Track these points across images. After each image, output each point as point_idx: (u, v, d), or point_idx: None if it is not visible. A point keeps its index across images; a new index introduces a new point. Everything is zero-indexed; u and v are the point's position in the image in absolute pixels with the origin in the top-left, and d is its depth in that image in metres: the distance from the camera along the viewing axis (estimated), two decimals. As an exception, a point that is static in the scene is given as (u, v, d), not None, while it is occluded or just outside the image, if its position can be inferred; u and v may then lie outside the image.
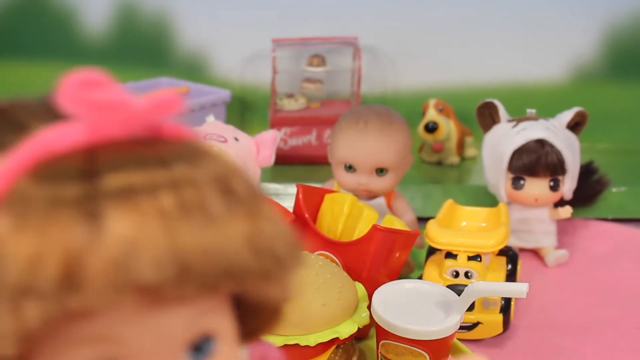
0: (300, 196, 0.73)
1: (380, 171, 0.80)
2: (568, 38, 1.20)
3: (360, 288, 0.66)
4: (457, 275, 0.71)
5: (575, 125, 0.89)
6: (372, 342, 0.70)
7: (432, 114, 1.10)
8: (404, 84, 1.23)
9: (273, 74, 1.13)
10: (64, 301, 0.22)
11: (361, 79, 1.15)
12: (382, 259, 0.68)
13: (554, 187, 0.86)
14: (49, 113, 0.28)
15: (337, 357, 0.63)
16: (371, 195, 0.82)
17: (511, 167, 0.85)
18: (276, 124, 1.11)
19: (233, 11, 1.22)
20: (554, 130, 0.85)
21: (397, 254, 0.70)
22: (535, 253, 0.92)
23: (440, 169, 1.12)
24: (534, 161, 0.84)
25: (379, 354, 0.61)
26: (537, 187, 0.86)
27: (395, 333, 0.58)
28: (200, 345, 0.27)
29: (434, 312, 0.60)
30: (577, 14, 1.19)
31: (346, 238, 0.73)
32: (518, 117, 0.89)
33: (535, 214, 0.89)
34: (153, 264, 0.23)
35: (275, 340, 0.59)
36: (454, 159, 1.12)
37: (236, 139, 0.86)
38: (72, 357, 0.24)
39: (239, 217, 0.25)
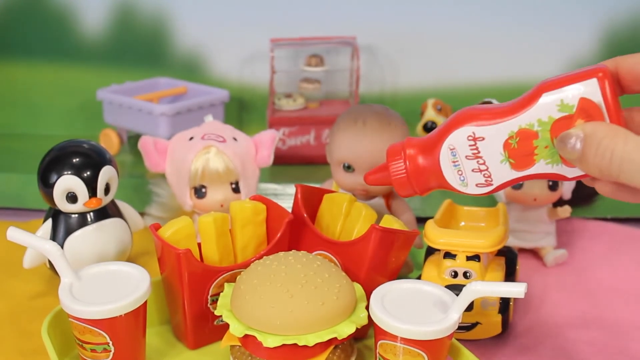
0: (299, 196, 0.73)
1: (379, 171, 0.80)
2: (567, 38, 1.20)
3: (358, 288, 0.66)
4: (455, 275, 0.71)
5: (573, 125, 0.89)
6: (370, 342, 0.70)
7: (430, 114, 1.10)
8: (402, 84, 1.23)
9: (271, 73, 1.13)
10: None
11: (359, 78, 1.15)
12: (380, 259, 0.68)
13: (553, 187, 0.86)
14: None
15: (335, 357, 0.63)
16: (370, 196, 0.82)
17: (510, 167, 0.85)
18: (274, 124, 1.11)
19: (231, 11, 1.22)
20: (552, 130, 0.85)
21: (396, 254, 0.70)
22: (534, 253, 0.92)
23: (438, 169, 1.12)
24: (533, 161, 0.84)
25: (377, 354, 0.61)
26: (536, 186, 0.86)
27: (393, 333, 0.58)
28: None
29: (432, 312, 0.60)
30: (576, 13, 1.19)
31: (345, 238, 0.73)
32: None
33: (534, 214, 0.89)
34: None
35: (273, 339, 0.59)
36: (453, 158, 1.12)
37: (235, 139, 0.86)
38: None
39: None
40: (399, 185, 0.51)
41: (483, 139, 0.46)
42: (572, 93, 0.43)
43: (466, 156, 0.47)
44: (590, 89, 0.43)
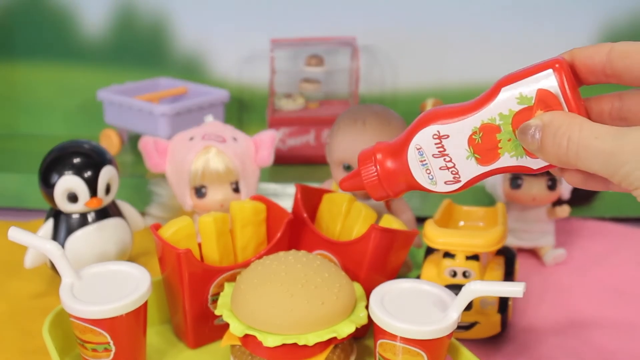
0: (299, 196, 0.73)
1: (378, 171, 0.80)
2: (567, 38, 1.20)
3: (358, 288, 0.67)
4: (455, 274, 0.72)
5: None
6: (370, 341, 0.70)
7: (430, 114, 1.10)
8: (402, 84, 1.23)
9: (271, 74, 1.13)
10: None
11: (359, 79, 1.15)
12: (380, 258, 0.68)
13: (552, 187, 0.86)
14: None
15: (335, 357, 0.63)
16: (369, 196, 0.82)
17: (509, 167, 0.85)
18: (274, 124, 1.11)
19: (231, 11, 1.22)
20: (551, 130, 0.85)
21: (395, 254, 0.70)
22: (533, 252, 0.92)
23: (438, 169, 1.12)
24: (532, 161, 0.84)
25: (377, 354, 0.61)
26: (534, 186, 0.86)
27: (392, 332, 0.58)
28: None
29: (431, 311, 0.60)
30: (576, 14, 1.19)
31: (344, 238, 0.73)
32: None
33: (533, 214, 0.89)
34: None
35: (273, 339, 0.60)
36: (452, 158, 1.12)
37: (235, 139, 0.86)
38: None
39: None
40: (372, 189, 0.52)
41: (448, 136, 0.47)
42: (530, 85, 0.44)
43: (433, 155, 0.48)
44: (547, 80, 0.44)
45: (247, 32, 1.22)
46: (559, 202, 0.89)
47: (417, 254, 0.90)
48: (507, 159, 0.46)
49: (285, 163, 1.12)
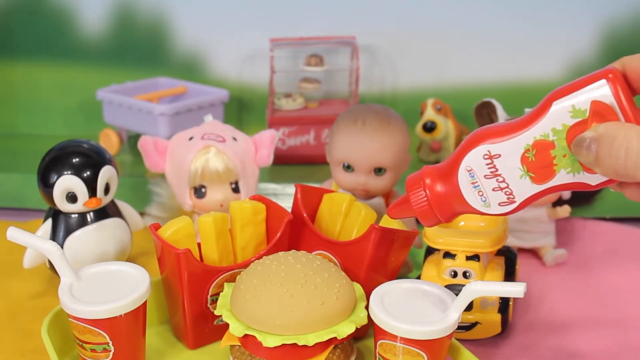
0: (299, 196, 0.73)
1: (379, 171, 0.80)
2: (567, 37, 1.20)
3: (358, 288, 0.66)
4: (455, 275, 0.71)
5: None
6: (370, 341, 0.70)
7: (430, 114, 1.10)
8: (402, 84, 1.23)
9: (271, 73, 1.13)
10: None
11: (359, 78, 1.15)
12: (380, 258, 0.68)
13: (552, 187, 0.86)
14: None
15: (335, 357, 0.63)
16: (369, 195, 0.82)
17: (509, 167, 0.85)
18: (274, 123, 1.11)
19: (231, 11, 1.22)
20: (552, 130, 0.85)
21: (396, 254, 0.70)
22: (534, 253, 0.92)
23: (438, 169, 1.12)
24: (532, 161, 0.84)
25: (377, 354, 0.61)
26: (535, 186, 0.86)
27: (392, 333, 0.58)
28: None
29: (431, 311, 0.60)
30: (577, 13, 1.19)
31: (344, 238, 0.73)
32: (516, 116, 0.89)
33: (533, 214, 0.89)
34: None
35: (272, 339, 0.59)
36: (453, 158, 1.12)
37: (234, 139, 0.86)
38: None
39: None
40: (422, 215, 0.50)
41: (499, 156, 0.45)
42: (583, 97, 0.42)
43: (485, 176, 0.46)
44: (600, 91, 0.42)
45: (247, 32, 1.22)
46: (559, 202, 0.89)
47: (417, 254, 0.89)
48: (563, 176, 0.44)
49: (285, 163, 1.12)
